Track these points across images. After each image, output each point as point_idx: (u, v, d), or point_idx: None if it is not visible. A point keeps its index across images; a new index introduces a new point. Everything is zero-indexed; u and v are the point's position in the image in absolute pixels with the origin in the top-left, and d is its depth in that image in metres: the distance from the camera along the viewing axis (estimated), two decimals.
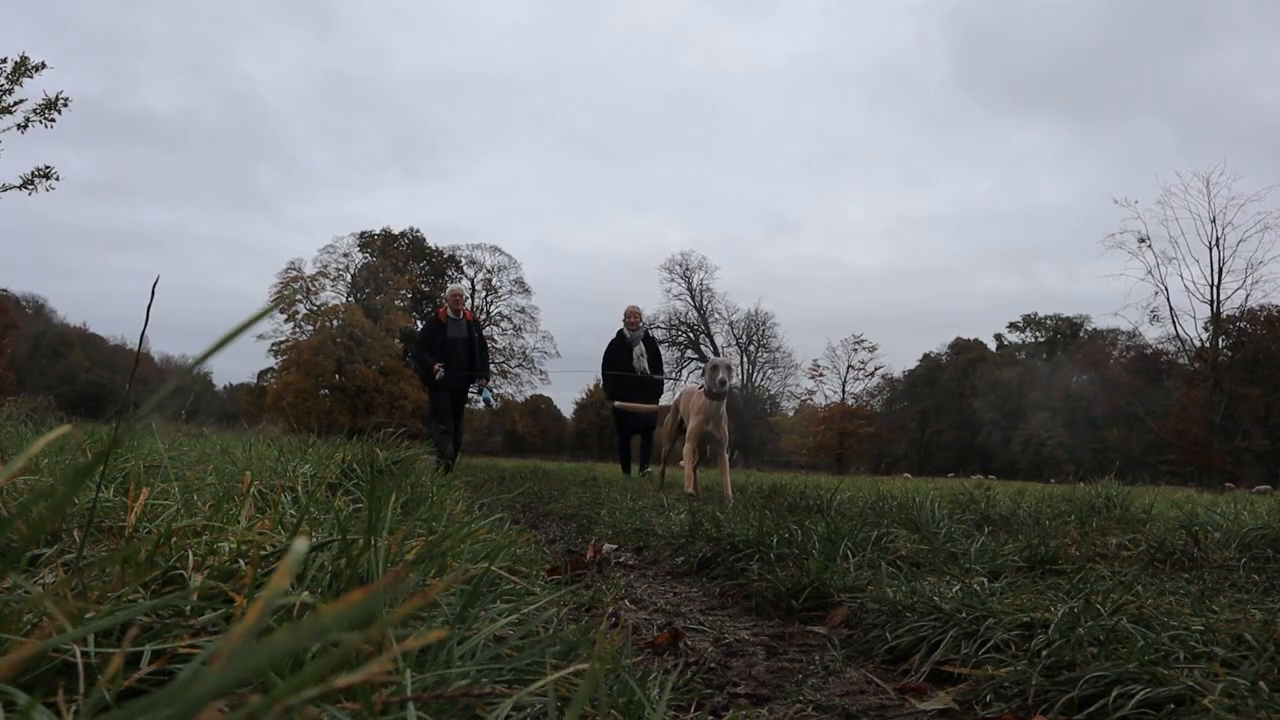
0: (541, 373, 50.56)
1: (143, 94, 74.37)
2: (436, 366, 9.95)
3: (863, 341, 52.22)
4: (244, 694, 0.71)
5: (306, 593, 1.00)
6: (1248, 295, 37.50)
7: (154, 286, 0.87)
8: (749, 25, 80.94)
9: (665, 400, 10.45)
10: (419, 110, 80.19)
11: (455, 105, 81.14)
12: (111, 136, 75.32)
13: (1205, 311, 38.27)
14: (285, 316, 47.78)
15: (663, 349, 54.92)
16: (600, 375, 11.44)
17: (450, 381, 10.03)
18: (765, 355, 54.78)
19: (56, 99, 19.55)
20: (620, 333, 11.19)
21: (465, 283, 51.35)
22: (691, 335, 55.71)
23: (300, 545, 0.43)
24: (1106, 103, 67.96)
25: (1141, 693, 1.21)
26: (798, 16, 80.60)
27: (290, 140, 78.04)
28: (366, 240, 51.56)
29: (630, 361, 10.72)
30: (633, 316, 11.12)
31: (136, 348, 0.78)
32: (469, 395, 10.89)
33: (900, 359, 56.45)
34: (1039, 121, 75.60)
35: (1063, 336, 54.70)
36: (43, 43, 68.21)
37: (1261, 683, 1.17)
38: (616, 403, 10.47)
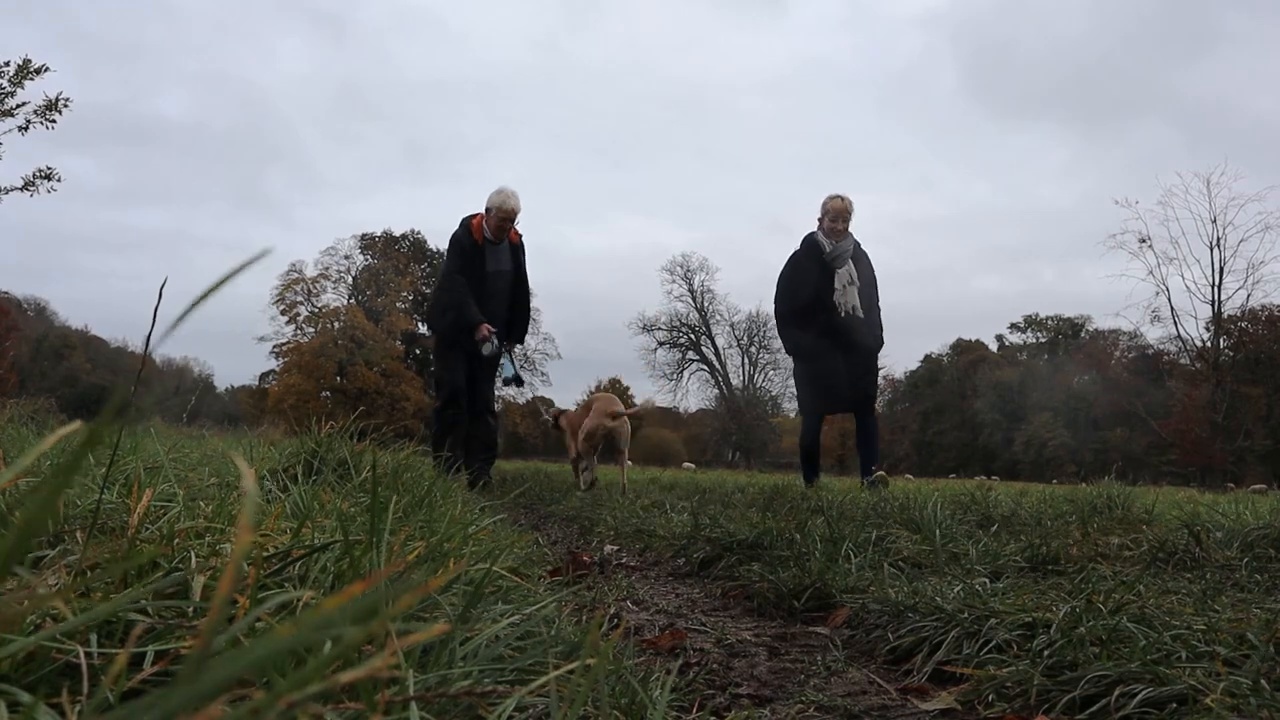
0: (543, 374, 50.58)
1: (156, 100, 74.81)
2: (483, 328, 6.05)
3: None
4: (247, 690, 0.71)
5: (310, 592, 1.00)
6: (1249, 295, 37.59)
7: (161, 289, 0.87)
8: (749, 31, 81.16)
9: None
10: (424, 115, 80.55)
11: (459, 110, 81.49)
12: (124, 142, 75.74)
13: (1206, 311, 38.31)
14: (287, 318, 47.85)
15: (663, 350, 56.02)
16: (776, 318, 6.52)
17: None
18: (767, 356, 54.83)
19: (57, 100, 19.59)
20: (812, 242, 6.25)
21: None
22: (693, 336, 55.75)
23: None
24: (1109, 109, 68.22)
25: (1143, 692, 1.21)
26: (800, 24, 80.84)
27: (297, 145, 78.42)
28: (368, 242, 51.58)
29: (829, 295, 6.11)
30: (841, 217, 6.18)
31: (143, 349, 0.79)
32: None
33: (901, 360, 56.47)
34: (1041, 125, 75.89)
35: (1064, 337, 54.66)
36: (55, 49, 68.43)
37: (1263, 681, 1.17)
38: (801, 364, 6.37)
